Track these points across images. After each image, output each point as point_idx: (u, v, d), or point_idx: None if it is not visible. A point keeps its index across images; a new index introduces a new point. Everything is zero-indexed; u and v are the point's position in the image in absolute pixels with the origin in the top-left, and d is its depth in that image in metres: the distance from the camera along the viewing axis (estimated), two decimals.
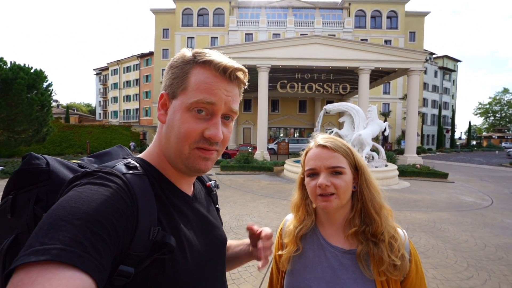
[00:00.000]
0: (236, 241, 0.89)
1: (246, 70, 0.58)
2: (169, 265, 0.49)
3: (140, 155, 0.61)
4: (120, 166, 0.51)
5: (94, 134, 23.32)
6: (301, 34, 26.73)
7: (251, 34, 29.06)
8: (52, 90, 13.95)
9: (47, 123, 13.73)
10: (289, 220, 0.94)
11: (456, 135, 48.51)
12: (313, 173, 0.80)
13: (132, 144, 22.24)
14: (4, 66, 11.45)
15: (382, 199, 0.81)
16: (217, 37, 29.49)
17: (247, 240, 0.84)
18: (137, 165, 0.54)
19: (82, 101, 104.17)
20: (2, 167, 10.87)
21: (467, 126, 45.65)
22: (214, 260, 0.63)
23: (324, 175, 0.77)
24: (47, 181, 0.51)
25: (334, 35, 27.40)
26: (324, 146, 0.79)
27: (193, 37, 29.60)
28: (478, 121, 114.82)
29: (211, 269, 0.61)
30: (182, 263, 0.51)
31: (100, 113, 50.79)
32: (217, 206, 0.78)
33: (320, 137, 0.84)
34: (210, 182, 0.77)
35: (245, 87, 0.61)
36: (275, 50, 15.26)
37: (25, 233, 0.48)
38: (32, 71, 12.69)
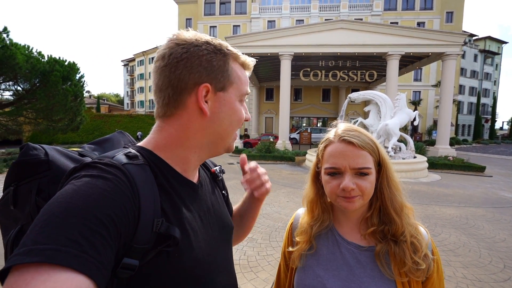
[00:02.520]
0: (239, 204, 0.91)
1: (254, 61, 0.66)
2: (175, 256, 0.48)
3: (141, 143, 0.58)
4: (120, 156, 0.49)
5: (122, 123, 24.53)
6: (325, 20, 25.61)
7: (274, 21, 28.37)
8: (84, 81, 14.70)
9: (81, 113, 14.58)
10: (301, 215, 0.88)
11: (497, 125, 44.72)
12: (335, 173, 0.71)
13: (139, 133, 22.91)
14: (42, 60, 12.22)
15: (403, 197, 0.74)
16: (239, 25, 29.18)
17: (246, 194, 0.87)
18: (138, 154, 0.51)
19: (112, 91, 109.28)
20: None
21: (511, 116, 41.79)
22: (220, 248, 0.62)
23: (349, 176, 0.69)
24: (47, 172, 0.50)
25: (361, 19, 25.93)
26: (349, 142, 0.69)
27: (216, 26, 29.55)
28: None
29: (218, 257, 0.60)
30: (187, 254, 0.50)
31: (127, 103, 53.15)
32: (223, 192, 0.77)
33: (342, 129, 0.73)
34: (215, 168, 0.76)
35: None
36: (298, 37, 14.79)
37: (29, 224, 0.47)
38: (66, 63, 13.44)
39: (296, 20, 28.06)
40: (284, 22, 27.87)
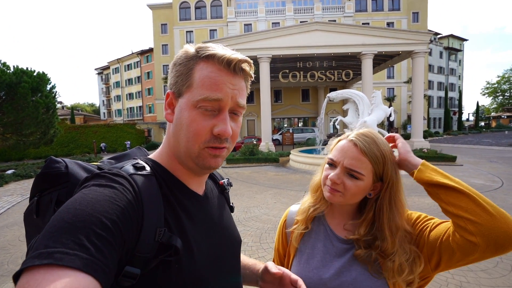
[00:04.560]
0: (248, 259, 0.83)
1: (251, 62, 0.57)
2: (175, 267, 0.48)
3: (150, 156, 0.62)
4: (128, 167, 0.52)
5: (99, 134, 23.54)
6: (300, 22, 26.20)
7: (250, 24, 28.61)
8: (56, 92, 14.03)
9: (54, 125, 13.87)
10: (294, 211, 0.93)
11: (464, 117, 47.62)
12: (332, 164, 0.78)
13: (102, 144, 22.49)
14: (8, 71, 11.53)
15: (404, 220, 0.74)
16: (216, 30, 29.12)
17: (259, 265, 0.78)
18: (145, 165, 0.54)
19: (86, 101, 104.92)
20: (13, 170, 11.10)
21: (475, 107, 44.74)
22: (225, 261, 0.61)
23: (338, 171, 0.75)
24: (66, 183, 0.53)
25: (335, 21, 26.81)
26: (354, 144, 0.74)
27: (192, 31, 29.28)
28: (486, 101, 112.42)
29: (221, 270, 0.59)
30: (189, 265, 0.50)
31: (104, 112, 51.19)
32: (231, 204, 0.77)
33: (358, 132, 0.77)
34: (223, 180, 0.75)
35: (252, 79, 0.59)
36: (275, 40, 15.03)
37: None
38: (35, 74, 12.76)
39: (272, 23, 28.45)
40: (260, 25, 28.17)
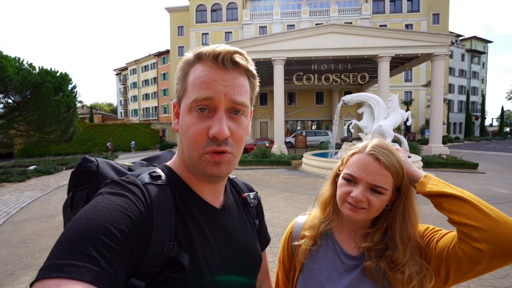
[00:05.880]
0: None
1: (244, 53, 0.52)
2: (180, 284, 0.46)
3: (168, 163, 0.61)
4: (144, 175, 0.52)
5: (116, 133, 24.28)
6: (316, 24, 25.97)
7: (265, 26, 28.68)
8: (77, 92, 14.60)
9: (74, 123, 14.43)
10: (301, 223, 0.90)
11: (487, 122, 45.58)
12: (351, 180, 0.73)
13: (132, 143, 23.37)
14: (33, 71, 12.10)
15: (416, 231, 0.73)
16: (231, 32, 29.40)
17: None
18: (161, 174, 0.54)
19: (105, 101, 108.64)
20: (35, 166, 11.62)
21: (499, 112, 42.70)
22: (239, 280, 0.59)
23: (362, 188, 0.71)
24: (96, 182, 0.55)
25: (351, 23, 26.39)
26: (376, 158, 0.71)
27: (208, 33, 29.71)
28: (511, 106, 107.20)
29: None
30: (195, 283, 0.48)
31: (121, 112, 52.78)
32: (255, 220, 0.71)
33: (375, 144, 0.74)
34: (247, 194, 0.71)
35: (252, 72, 0.54)
36: (289, 42, 14.95)
37: None
38: (58, 74, 13.33)
39: (287, 25, 28.41)
40: (276, 28, 28.18)
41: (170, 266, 0.46)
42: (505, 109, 64.05)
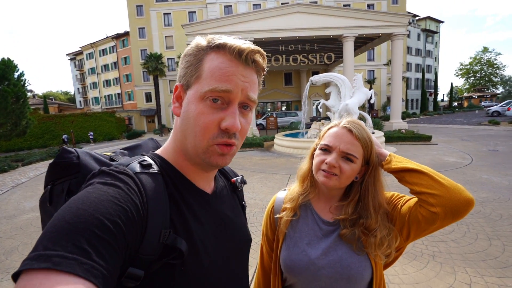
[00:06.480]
0: None
1: (264, 53, 0.53)
2: (180, 269, 0.47)
3: (157, 151, 0.60)
4: (134, 164, 0.50)
5: (77, 123, 22.58)
6: (282, 4, 25.63)
7: (230, 6, 27.67)
8: (25, 80, 13.18)
9: (25, 115, 13.12)
10: (281, 198, 0.97)
11: (439, 98, 49.58)
12: (326, 149, 0.82)
13: (90, 134, 22.26)
14: None
15: (384, 199, 0.84)
16: (195, 12, 27.95)
17: None
18: (152, 162, 0.53)
19: (60, 89, 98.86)
20: None
21: (449, 88, 46.65)
22: (233, 262, 0.60)
23: (335, 155, 0.80)
24: (77, 174, 0.53)
25: (316, 2, 26.46)
26: (349, 130, 0.81)
27: (170, 13, 27.96)
28: (460, 82, 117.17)
29: (229, 273, 0.58)
30: (194, 268, 0.49)
31: (80, 101, 48.73)
32: (243, 203, 0.75)
33: (348, 120, 0.84)
34: (235, 178, 0.73)
35: (264, 73, 0.56)
36: (256, 22, 14.72)
37: None
38: None
39: (253, 5, 27.66)
40: (241, 7, 27.33)
41: (168, 253, 0.46)
42: (454, 85, 70.00)
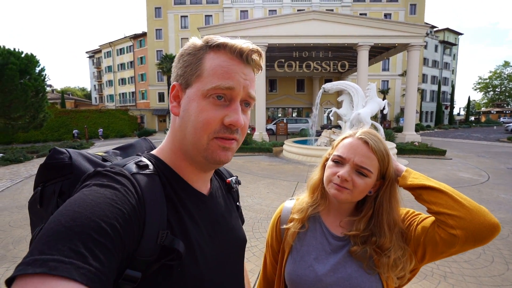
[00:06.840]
0: None
1: (262, 52, 0.55)
2: (177, 270, 0.47)
3: (153, 152, 0.59)
4: (131, 165, 0.50)
5: (91, 119, 23.15)
6: (298, 10, 25.74)
7: (246, 11, 28.02)
8: (46, 75, 13.65)
9: (43, 109, 13.55)
10: (289, 208, 0.93)
11: (455, 111, 48.47)
12: (339, 161, 0.78)
13: (100, 130, 22.58)
14: None
15: (399, 216, 0.78)
16: (211, 15, 28.43)
17: None
18: (148, 163, 0.52)
19: (77, 85, 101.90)
20: (2, 154, 10.87)
21: (466, 102, 45.40)
22: (229, 263, 0.60)
23: (348, 168, 0.75)
24: (70, 175, 0.52)
25: (332, 10, 26.43)
26: (365, 142, 0.76)
27: (187, 16, 28.54)
28: (477, 96, 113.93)
29: (225, 273, 0.58)
30: (191, 269, 0.49)
31: (95, 97, 50.11)
32: (238, 203, 0.75)
33: (364, 131, 0.79)
34: (230, 178, 0.73)
35: (261, 70, 0.57)
36: (271, 28, 14.76)
37: None
38: (23, 56, 12.33)
39: (269, 10, 27.93)
40: (257, 12, 27.61)
41: (166, 254, 0.46)
42: (471, 99, 68.10)
